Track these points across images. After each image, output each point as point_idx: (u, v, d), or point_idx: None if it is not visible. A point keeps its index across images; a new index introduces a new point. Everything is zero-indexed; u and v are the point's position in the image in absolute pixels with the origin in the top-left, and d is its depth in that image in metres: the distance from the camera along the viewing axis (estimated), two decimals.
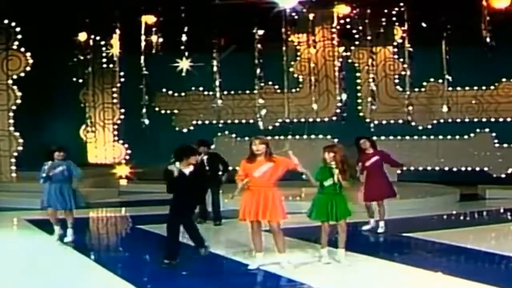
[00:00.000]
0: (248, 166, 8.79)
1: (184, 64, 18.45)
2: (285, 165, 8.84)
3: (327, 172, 9.03)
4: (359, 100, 20.27)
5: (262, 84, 19.55)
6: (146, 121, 19.36)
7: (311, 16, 18.88)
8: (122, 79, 20.55)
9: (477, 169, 19.56)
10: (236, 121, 20.96)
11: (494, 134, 19.53)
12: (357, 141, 12.17)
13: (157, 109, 21.17)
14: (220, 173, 12.76)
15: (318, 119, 20.00)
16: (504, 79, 19.48)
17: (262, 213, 8.68)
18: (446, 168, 19.80)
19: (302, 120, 20.25)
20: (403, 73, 19.49)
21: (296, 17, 18.55)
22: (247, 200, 8.78)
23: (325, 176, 9.04)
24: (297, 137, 19.84)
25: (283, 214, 8.84)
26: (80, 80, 20.97)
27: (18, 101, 17.72)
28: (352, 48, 19.96)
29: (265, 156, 8.76)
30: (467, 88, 19.61)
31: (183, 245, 10.21)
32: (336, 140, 20.08)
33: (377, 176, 11.95)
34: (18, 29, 17.53)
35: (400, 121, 19.68)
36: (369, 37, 19.05)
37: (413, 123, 19.33)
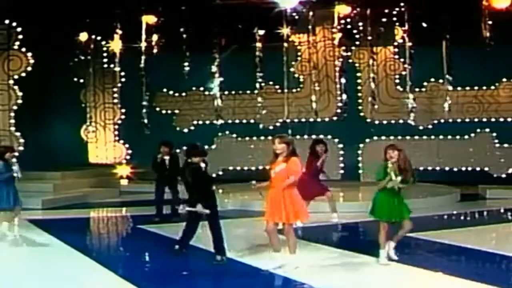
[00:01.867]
0: (272, 166, 8.81)
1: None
2: (290, 173, 8.73)
3: (391, 171, 8.93)
4: (360, 100, 20.27)
5: (263, 84, 19.58)
6: (145, 121, 19.38)
7: (311, 16, 18.88)
8: (123, 79, 20.56)
9: (478, 169, 19.56)
10: (237, 121, 20.97)
11: (494, 134, 19.53)
12: (314, 145, 12.85)
13: (157, 109, 21.17)
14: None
15: (319, 119, 19.99)
16: (504, 79, 19.49)
17: (279, 215, 8.69)
18: (447, 168, 19.81)
19: (303, 120, 20.26)
20: (403, 73, 19.50)
21: (296, 17, 18.55)
22: (269, 202, 8.80)
23: (387, 175, 8.94)
24: (298, 137, 19.85)
25: (298, 216, 8.88)
26: (81, 80, 21.00)
27: (19, 101, 17.75)
28: (353, 48, 19.96)
29: (286, 156, 8.70)
30: (467, 88, 19.62)
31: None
32: (336, 140, 20.16)
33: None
34: (19, 29, 17.56)
35: (401, 121, 19.69)
36: (369, 37, 19.05)
37: (413, 123, 19.33)
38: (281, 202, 8.66)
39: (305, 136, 19.81)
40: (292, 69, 20.11)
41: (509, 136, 19.28)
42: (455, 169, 19.73)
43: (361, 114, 20.18)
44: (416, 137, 19.79)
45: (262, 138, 19.85)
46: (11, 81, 17.72)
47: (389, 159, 8.95)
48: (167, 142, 13.41)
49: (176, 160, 13.28)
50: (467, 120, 19.72)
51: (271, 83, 20.21)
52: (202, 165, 9.49)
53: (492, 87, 19.60)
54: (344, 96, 19.45)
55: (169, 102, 21.45)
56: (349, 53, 19.88)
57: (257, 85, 19.46)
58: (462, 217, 14.31)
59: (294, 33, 19.54)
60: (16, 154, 11.37)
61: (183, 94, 21.36)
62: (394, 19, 18.70)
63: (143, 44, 18.70)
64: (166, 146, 13.25)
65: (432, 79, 19.56)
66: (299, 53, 20.44)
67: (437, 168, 19.79)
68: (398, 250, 10.03)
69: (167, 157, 13.20)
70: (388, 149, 9.04)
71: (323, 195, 12.97)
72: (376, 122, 19.89)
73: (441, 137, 19.75)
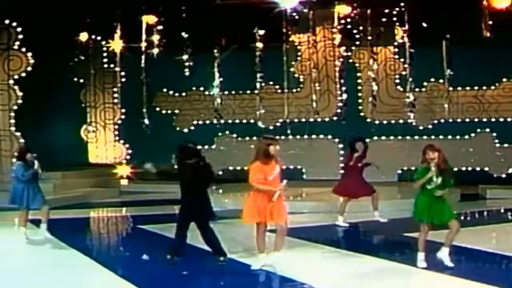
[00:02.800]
0: (264, 168, 8.66)
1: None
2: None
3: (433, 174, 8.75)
4: (360, 100, 20.27)
5: (263, 84, 19.59)
6: (146, 121, 19.37)
7: (311, 16, 18.88)
8: (123, 79, 20.55)
9: (478, 169, 19.55)
10: (237, 121, 20.97)
11: (494, 134, 19.52)
12: (353, 142, 12.93)
13: (157, 109, 21.17)
14: None
15: (319, 119, 19.99)
16: (504, 79, 19.49)
17: (276, 215, 8.70)
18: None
19: (303, 120, 20.26)
20: (403, 73, 19.50)
21: (297, 17, 18.57)
22: (256, 203, 8.74)
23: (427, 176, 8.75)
24: (298, 137, 19.86)
25: (286, 216, 8.90)
26: (81, 80, 21.01)
27: (19, 101, 17.74)
28: (353, 48, 19.96)
29: (275, 159, 8.75)
30: (467, 88, 19.62)
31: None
32: (336, 140, 20.16)
33: (361, 176, 12.94)
34: (19, 29, 17.55)
35: (401, 121, 19.69)
36: (369, 37, 19.06)
37: (413, 123, 19.33)
38: (273, 203, 8.68)
39: (305, 136, 19.85)
40: (292, 69, 20.11)
41: (509, 136, 19.28)
42: (455, 169, 19.66)
43: (361, 114, 20.17)
44: (416, 137, 19.78)
45: None
46: (11, 81, 17.71)
47: (429, 160, 8.77)
48: (194, 143, 13.37)
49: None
50: (467, 120, 19.71)
51: (271, 83, 20.21)
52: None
53: (492, 87, 19.60)
54: (344, 96, 19.48)
55: (169, 102, 21.45)
56: (349, 53, 19.89)
57: (257, 85, 19.46)
58: (462, 217, 14.29)
59: (294, 33, 19.56)
60: (35, 155, 11.28)
61: (183, 94, 21.36)
62: (394, 19, 18.71)
63: (143, 44, 18.70)
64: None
65: (432, 79, 19.55)
66: (299, 53, 20.44)
67: None
68: (397, 250, 10.07)
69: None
70: (427, 149, 8.85)
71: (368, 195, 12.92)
72: (376, 122, 19.88)
73: (441, 137, 19.70)
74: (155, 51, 18.69)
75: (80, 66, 20.25)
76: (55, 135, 19.96)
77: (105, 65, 20.83)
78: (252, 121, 20.55)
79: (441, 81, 19.04)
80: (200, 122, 21.25)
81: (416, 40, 18.23)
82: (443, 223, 8.88)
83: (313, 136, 20.02)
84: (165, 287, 8.52)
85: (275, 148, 8.70)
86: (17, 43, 17.62)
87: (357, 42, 19.75)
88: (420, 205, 8.89)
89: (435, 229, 11.55)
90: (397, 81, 20.13)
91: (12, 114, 17.81)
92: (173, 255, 9.29)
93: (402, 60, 19.67)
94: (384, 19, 18.74)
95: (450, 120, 19.46)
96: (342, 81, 19.59)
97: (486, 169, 19.55)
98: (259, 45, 18.85)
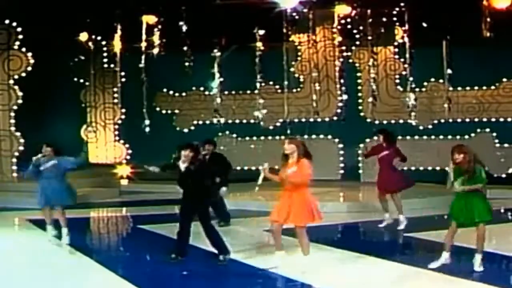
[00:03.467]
0: (282, 167, 8.78)
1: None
2: (300, 175, 8.72)
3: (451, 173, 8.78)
4: (360, 100, 20.27)
5: (263, 84, 19.59)
6: (147, 121, 19.37)
7: (311, 16, 18.89)
8: (123, 79, 20.54)
9: None
10: (237, 121, 20.96)
11: (494, 134, 19.51)
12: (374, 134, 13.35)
13: (158, 109, 21.17)
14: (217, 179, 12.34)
15: (319, 119, 19.99)
16: (505, 79, 19.46)
17: (286, 216, 8.68)
18: (447, 168, 19.69)
19: (303, 120, 20.26)
20: (404, 73, 19.49)
21: (296, 17, 18.58)
22: (279, 202, 8.82)
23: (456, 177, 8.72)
24: (298, 137, 19.82)
25: (308, 218, 8.77)
26: (81, 80, 21.00)
27: (19, 101, 17.75)
28: (353, 48, 19.95)
29: (297, 158, 8.67)
30: (467, 88, 19.61)
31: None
32: (336, 140, 20.15)
33: (388, 169, 12.60)
34: (19, 29, 17.56)
35: (401, 121, 19.68)
36: (370, 37, 19.06)
37: (413, 123, 19.32)
38: (291, 204, 8.66)
39: (305, 136, 19.82)
40: (292, 69, 20.11)
41: (509, 136, 19.25)
42: None
43: (361, 114, 20.16)
44: (416, 137, 19.78)
45: (262, 138, 19.86)
46: (11, 81, 17.72)
47: (454, 160, 8.84)
48: (212, 141, 13.05)
49: (222, 158, 12.83)
50: (467, 120, 19.70)
51: (271, 83, 20.21)
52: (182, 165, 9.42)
53: (492, 87, 19.59)
54: (345, 96, 19.48)
55: (169, 102, 21.43)
56: (349, 53, 19.89)
57: (257, 85, 19.46)
58: None
59: (294, 33, 19.55)
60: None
61: (183, 94, 21.35)
62: (394, 19, 18.70)
63: (143, 44, 18.70)
64: (211, 144, 12.81)
65: (432, 79, 19.55)
66: (299, 53, 20.43)
67: (437, 168, 19.74)
68: (397, 250, 10.08)
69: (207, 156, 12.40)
70: (454, 150, 8.91)
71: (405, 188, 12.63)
72: (376, 122, 19.87)
73: (441, 137, 19.71)
74: (155, 51, 18.68)
75: (80, 66, 20.23)
76: (55, 135, 19.88)
77: (105, 65, 20.80)
78: (252, 121, 20.54)
79: (441, 81, 19.03)
80: (200, 122, 21.24)
81: (416, 40, 18.22)
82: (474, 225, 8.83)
83: (313, 136, 19.99)
84: (165, 287, 8.52)
85: (284, 147, 8.77)
86: (17, 43, 17.62)
87: (357, 42, 19.75)
88: (452, 204, 9.02)
89: (432, 230, 11.59)
90: (397, 81, 20.13)
91: (12, 114, 17.81)
92: (177, 255, 9.33)
93: (402, 60, 19.65)
94: (384, 19, 18.73)
95: (450, 120, 19.43)
96: (342, 81, 19.59)
97: (486, 169, 19.48)
98: (259, 45, 18.85)
